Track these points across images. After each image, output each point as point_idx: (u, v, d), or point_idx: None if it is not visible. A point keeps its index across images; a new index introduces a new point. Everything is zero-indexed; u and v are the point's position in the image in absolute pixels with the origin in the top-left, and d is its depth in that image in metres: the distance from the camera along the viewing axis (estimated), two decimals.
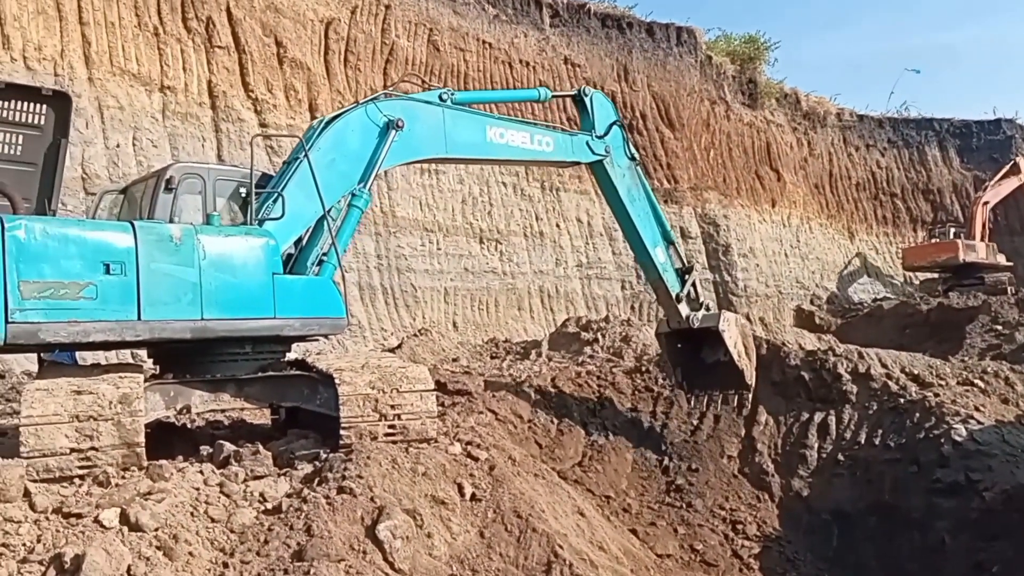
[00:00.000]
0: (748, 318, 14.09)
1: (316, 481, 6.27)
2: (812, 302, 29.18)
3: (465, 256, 20.47)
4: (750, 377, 11.10)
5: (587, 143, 10.39)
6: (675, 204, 25.88)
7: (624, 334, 14.11)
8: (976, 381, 12.07)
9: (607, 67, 25.40)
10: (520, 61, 23.05)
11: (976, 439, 10.22)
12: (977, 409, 10.98)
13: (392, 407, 7.11)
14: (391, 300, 18.33)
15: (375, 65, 19.41)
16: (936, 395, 11.13)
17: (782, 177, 30.66)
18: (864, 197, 34.45)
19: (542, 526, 6.52)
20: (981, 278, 29.76)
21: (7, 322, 6.06)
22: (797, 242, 30.72)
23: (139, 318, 6.63)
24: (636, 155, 10.94)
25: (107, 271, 6.50)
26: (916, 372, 11.97)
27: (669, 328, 11.00)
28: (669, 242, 10.95)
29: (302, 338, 8.14)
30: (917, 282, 32.62)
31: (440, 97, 8.97)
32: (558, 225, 22.97)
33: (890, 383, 11.40)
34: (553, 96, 11.08)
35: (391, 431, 7.10)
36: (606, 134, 10.56)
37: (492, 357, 13.65)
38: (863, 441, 10.85)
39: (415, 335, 14.47)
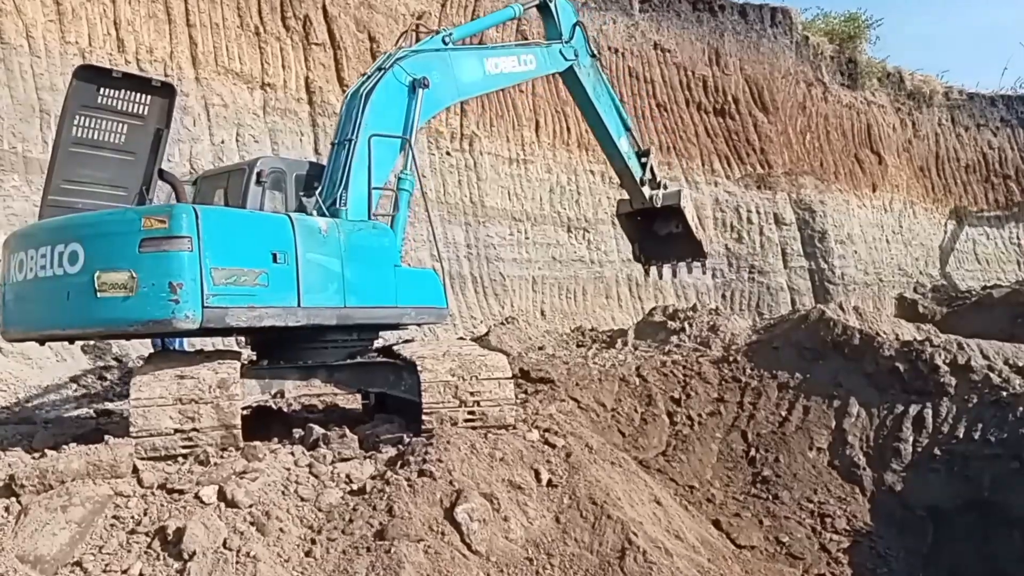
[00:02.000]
0: (841, 307, 13.75)
1: (399, 464, 6.53)
2: (915, 290, 28.00)
3: (553, 245, 20.59)
4: (707, 245, 12.10)
5: (560, 51, 10.69)
6: (768, 190, 25.30)
7: (712, 323, 13.95)
8: None
9: (698, 51, 24.96)
10: (608, 48, 22.85)
11: None
12: None
13: (471, 394, 7.34)
14: (480, 289, 18.64)
15: None
16: None
17: (883, 160, 29.49)
18: (974, 179, 32.78)
19: (617, 513, 6.59)
20: None
21: (203, 307, 6.50)
22: (899, 228, 29.56)
23: (299, 305, 7.09)
24: (595, 52, 11.33)
25: (274, 260, 6.97)
26: (1021, 365, 11.45)
27: (631, 208, 11.80)
28: (627, 129, 11.49)
29: (409, 326, 8.71)
30: None
31: (443, 41, 9.06)
32: None
33: (992, 375, 10.97)
34: (525, 8, 11.30)
35: (470, 416, 7.33)
36: (571, 37, 10.75)
37: (578, 345, 13.72)
38: (961, 435, 10.48)
39: (502, 323, 14.70)
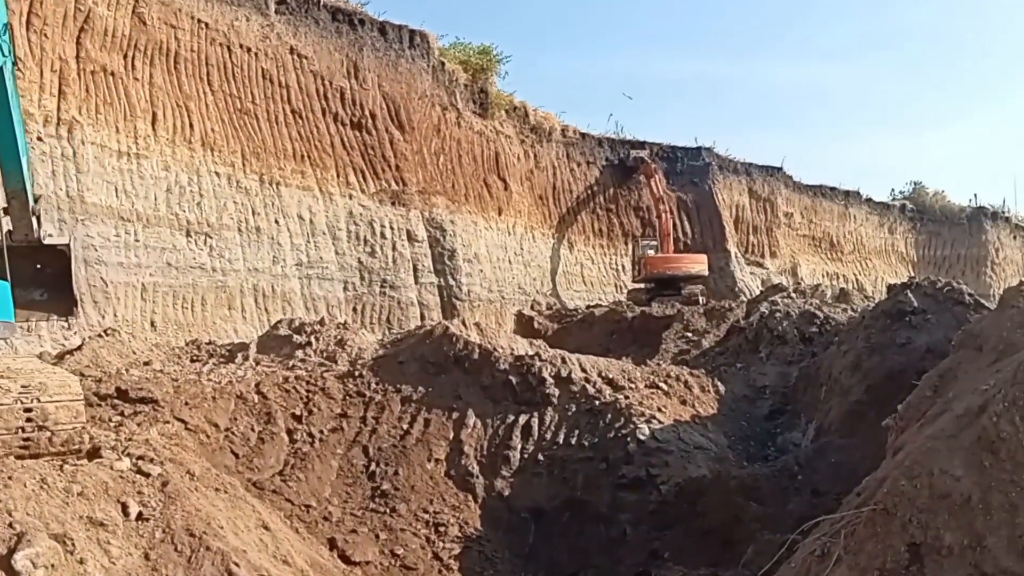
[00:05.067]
0: (464, 323, 14.34)
1: None
2: (532, 307, 30.52)
3: (169, 250, 18.87)
4: (78, 303, 10.98)
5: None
6: (402, 207, 25.85)
7: (339, 337, 13.75)
8: (660, 384, 13.13)
9: (336, 62, 24.83)
10: (241, 46, 21.79)
11: (657, 437, 11.14)
12: (660, 410, 11.97)
13: (28, 400, 6.29)
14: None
15: (66, 33, 17.27)
16: (626, 397, 11.97)
17: (509, 187, 31.75)
18: (583, 210, 36.68)
19: (217, 544, 6.11)
20: (679, 289, 32.68)
21: None
22: (521, 250, 32.00)
23: None
24: (16, 59, 10.50)
25: None
26: (611, 376, 12.79)
27: (12, 241, 10.81)
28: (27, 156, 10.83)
29: None
30: (624, 291, 35.27)
31: None
32: (277, 221, 21.98)
33: (588, 386, 12.09)
34: None
35: (29, 421, 6.24)
36: (3, 34, 10.08)
37: (192, 360, 12.69)
38: (561, 441, 11.38)
39: (101, 335, 13.10)
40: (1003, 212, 57.44)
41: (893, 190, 55.37)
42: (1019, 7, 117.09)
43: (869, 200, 50.27)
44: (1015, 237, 58.03)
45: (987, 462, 4.38)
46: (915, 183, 55.57)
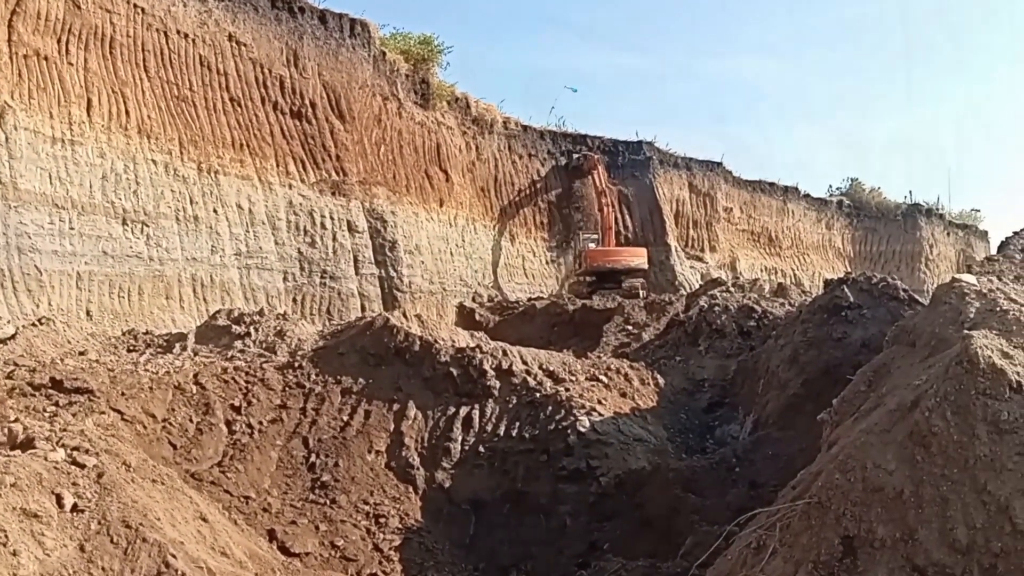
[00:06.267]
0: (405, 315, 14.31)
1: None
2: (474, 299, 30.57)
3: (104, 238, 18.41)
4: None
5: None
6: (343, 197, 25.65)
7: (279, 328, 13.63)
8: (601, 376, 13.29)
9: (275, 50, 24.49)
10: (178, 32, 21.36)
11: (597, 429, 11.24)
12: (600, 402, 12.07)
13: None
14: (8, 284, 15.90)
15: None
16: (567, 389, 12.04)
17: (451, 178, 31.71)
18: (525, 203, 36.83)
19: (154, 535, 6.06)
20: (620, 282, 33.09)
21: None
22: (463, 242, 31.99)
23: None
24: None
25: None
26: (552, 368, 12.89)
27: None
28: None
29: None
30: (566, 284, 35.57)
31: None
32: (215, 210, 21.60)
33: (529, 379, 12.14)
34: None
35: None
36: None
37: (129, 350, 12.46)
38: (502, 433, 11.41)
39: (35, 324, 12.77)
40: (937, 209, 59.38)
41: (830, 186, 56.87)
42: (953, 5, 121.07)
43: (807, 196, 51.46)
44: (948, 234, 60.01)
45: (919, 456, 4.40)
46: (852, 179, 57.18)
